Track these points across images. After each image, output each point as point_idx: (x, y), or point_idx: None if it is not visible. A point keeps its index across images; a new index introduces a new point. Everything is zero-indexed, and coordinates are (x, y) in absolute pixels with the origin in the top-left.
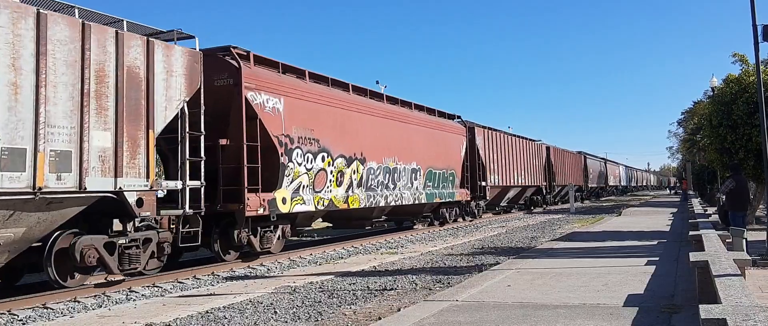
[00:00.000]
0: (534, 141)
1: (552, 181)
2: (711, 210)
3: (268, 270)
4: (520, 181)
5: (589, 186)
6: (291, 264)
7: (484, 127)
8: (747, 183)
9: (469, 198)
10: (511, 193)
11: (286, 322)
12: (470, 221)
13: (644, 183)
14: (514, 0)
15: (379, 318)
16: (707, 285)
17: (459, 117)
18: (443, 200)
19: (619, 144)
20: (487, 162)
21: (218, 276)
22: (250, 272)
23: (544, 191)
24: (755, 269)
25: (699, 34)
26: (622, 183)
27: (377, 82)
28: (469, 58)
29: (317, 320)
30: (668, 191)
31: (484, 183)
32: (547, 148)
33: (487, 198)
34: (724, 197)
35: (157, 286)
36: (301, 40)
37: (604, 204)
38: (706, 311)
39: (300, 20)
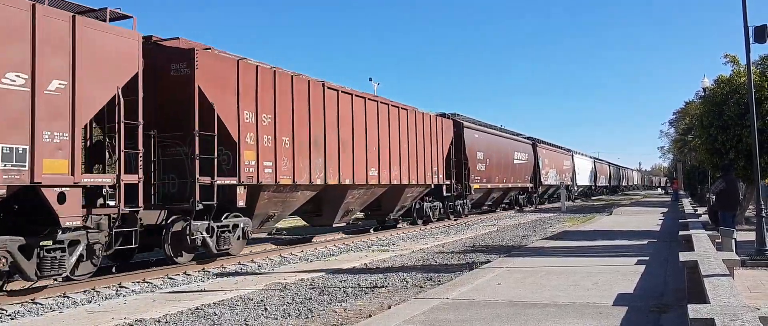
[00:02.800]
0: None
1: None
2: (701, 210)
3: (259, 266)
4: None
5: (476, 187)
6: (282, 260)
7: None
8: (737, 184)
9: None
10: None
11: (277, 319)
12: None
13: (626, 183)
14: (506, 2)
15: (370, 316)
16: (696, 284)
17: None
18: None
19: (612, 144)
20: None
21: (208, 272)
22: (241, 269)
23: None
24: (744, 269)
25: (691, 35)
26: (585, 182)
27: (370, 80)
28: (461, 54)
29: (307, 317)
30: (659, 191)
31: None
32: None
33: None
34: (714, 197)
35: (146, 282)
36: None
37: (595, 204)
38: (694, 311)
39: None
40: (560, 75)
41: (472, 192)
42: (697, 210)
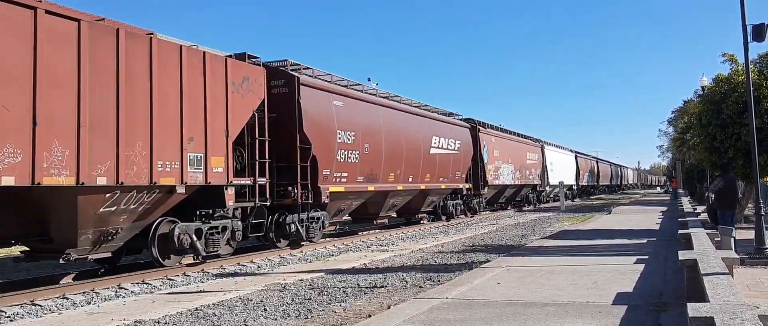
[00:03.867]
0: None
1: None
2: (700, 208)
3: (258, 267)
4: None
5: (337, 190)
6: (281, 261)
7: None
8: (736, 182)
9: None
10: None
11: (276, 320)
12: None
13: (620, 182)
14: (508, 3)
15: (369, 316)
16: (696, 283)
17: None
18: None
19: (611, 143)
20: None
21: (208, 273)
22: (240, 269)
23: None
24: (743, 268)
25: (690, 35)
26: (563, 181)
27: (369, 79)
28: (461, 54)
29: (307, 317)
30: (658, 189)
31: None
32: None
33: None
34: (713, 196)
35: (146, 283)
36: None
37: (594, 203)
38: (694, 309)
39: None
40: (560, 75)
41: (325, 198)
42: (696, 209)
